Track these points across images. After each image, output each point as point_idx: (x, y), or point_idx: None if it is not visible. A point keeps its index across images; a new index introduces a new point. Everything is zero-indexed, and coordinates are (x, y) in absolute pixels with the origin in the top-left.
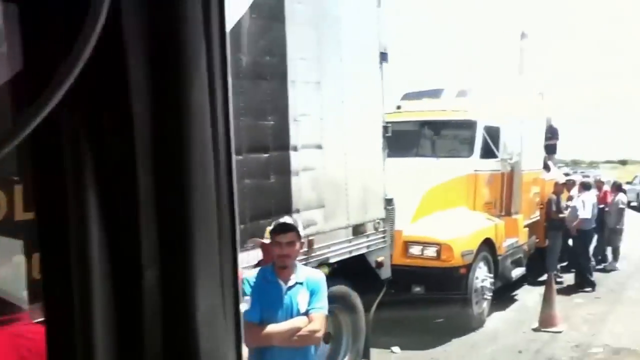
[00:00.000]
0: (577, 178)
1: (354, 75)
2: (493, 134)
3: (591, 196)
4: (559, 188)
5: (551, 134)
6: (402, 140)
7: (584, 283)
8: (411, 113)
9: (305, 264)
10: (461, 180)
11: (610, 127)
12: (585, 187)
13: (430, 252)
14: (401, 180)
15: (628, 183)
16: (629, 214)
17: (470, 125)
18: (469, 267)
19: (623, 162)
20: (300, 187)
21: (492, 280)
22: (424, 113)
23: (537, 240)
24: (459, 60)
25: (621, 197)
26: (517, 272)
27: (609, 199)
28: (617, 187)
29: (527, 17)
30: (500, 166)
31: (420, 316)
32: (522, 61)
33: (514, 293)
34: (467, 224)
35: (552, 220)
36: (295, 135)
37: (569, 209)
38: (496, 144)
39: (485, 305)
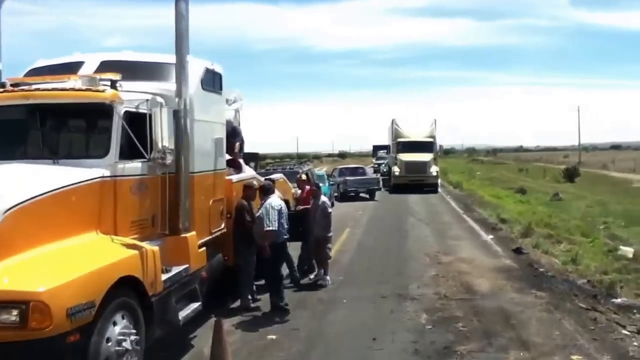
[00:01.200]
0: (278, 177)
1: None
2: (140, 123)
3: (276, 201)
4: (249, 192)
5: (233, 135)
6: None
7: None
8: (16, 95)
9: None
10: (84, 192)
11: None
12: (265, 191)
13: (6, 317)
14: None
15: (329, 176)
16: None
17: (103, 110)
18: (89, 330)
19: (342, 155)
20: None
21: (137, 337)
22: (38, 94)
23: (226, 258)
24: None
25: (325, 200)
26: (190, 309)
27: (312, 202)
28: (317, 187)
29: None
30: (154, 169)
31: None
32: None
33: (191, 335)
34: (83, 260)
35: (242, 233)
36: None
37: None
38: (143, 138)
39: None
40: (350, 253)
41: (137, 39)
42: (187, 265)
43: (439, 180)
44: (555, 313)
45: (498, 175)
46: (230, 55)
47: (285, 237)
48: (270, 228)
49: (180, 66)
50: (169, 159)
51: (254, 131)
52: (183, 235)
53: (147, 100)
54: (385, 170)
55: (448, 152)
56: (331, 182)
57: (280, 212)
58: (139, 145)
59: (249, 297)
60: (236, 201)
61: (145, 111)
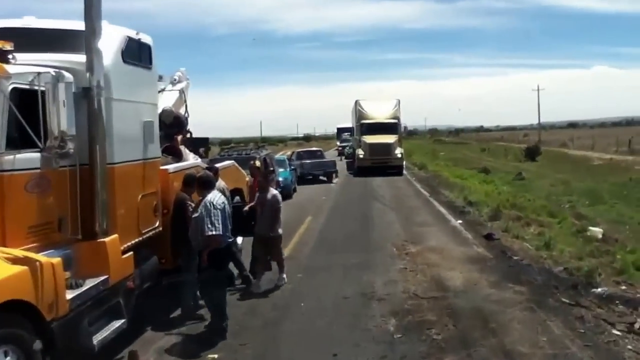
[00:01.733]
0: (227, 164)
1: None
2: (33, 104)
3: (218, 198)
4: (191, 183)
5: (178, 126)
6: None
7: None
8: None
9: None
10: None
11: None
12: (202, 184)
13: None
14: None
15: (289, 159)
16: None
17: None
18: None
19: (307, 139)
20: None
21: None
22: None
23: (163, 261)
24: None
25: (275, 194)
26: (111, 329)
27: (257, 196)
28: (264, 178)
29: None
30: (51, 161)
31: None
32: None
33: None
34: None
35: (182, 230)
36: None
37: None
38: (37, 122)
39: None
40: (311, 245)
41: None
42: (105, 277)
43: (404, 162)
44: (538, 312)
45: (461, 155)
46: (189, 41)
47: (230, 239)
48: (214, 232)
49: (91, 33)
50: (70, 148)
51: (217, 116)
52: (100, 239)
53: (38, 74)
54: (349, 152)
55: (412, 134)
56: (292, 167)
57: (223, 210)
58: (30, 131)
59: (192, 303)
60: (175, 194)
61: (40, 88)
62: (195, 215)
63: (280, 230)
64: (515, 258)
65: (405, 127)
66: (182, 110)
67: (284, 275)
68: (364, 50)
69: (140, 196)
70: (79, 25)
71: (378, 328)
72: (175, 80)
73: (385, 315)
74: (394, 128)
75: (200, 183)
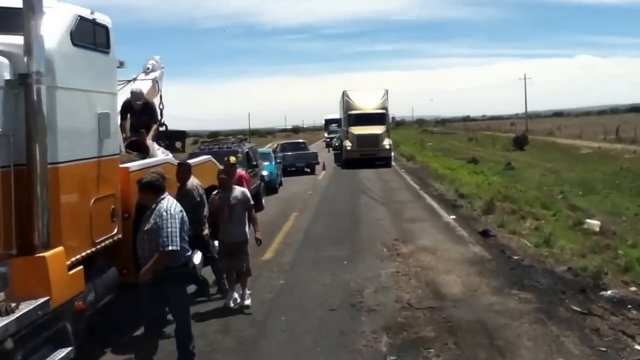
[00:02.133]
0: (203, 159)
1: None
2: None
3: (174, 205)
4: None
5: (149, 114)
6: None
7: None
8: None
9: None
10: None
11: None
12: (153, 188)
13: None
14: None
15: (275, 152)
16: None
17: None
18: None
19: (296, 130)
20: None
21: None
22: None
23: (124, 272)
24: None
25: (244, 191)
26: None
27: (217, 196)
28: (227, 175)
29: None
30: None
31: None
32: None
33: None
34: None
35: None
36: None
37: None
38: None
39: None
40: (295, 246)
41: None
42: (45, 298)
43: (393, 154)
44: (549, 325)
45: (449, 145)
46: (177, 35)
47: (188, 253)
48: (171, 247)
49: (30, 10)
50: None
51: (206, 108)
52: (40, 254)
53: None
54: (337, 144)
55: (399, 124)
56: (277, 160)
57: (182, 220)
58: None
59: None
60: (138, 196)
61: None
62: (147, 227)
63: (246, 237)
64: (515, 258)
65: (393, 118)
66: (156, 101)
67: (249, 292)
68: (351, 42)
69: (93, 200)
70: (19, 2)
71: (368, 348)
72: (148, 69)
73: (377, 332)
74: (382, 119)
75: (149, 187)
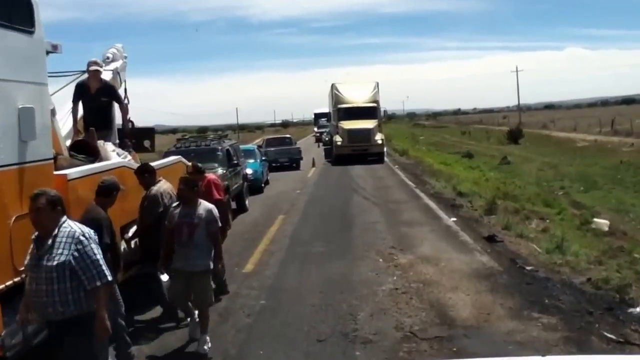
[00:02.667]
0: (169, 161)
1: None
2: None
3: (83, 227)
4: (109, 192)
5: (107, 95)
6: None
7: None
8: None
9: None
10: None
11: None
12: (51, 203)
13: None
14: None
15: (260, 147)
16: None
17: None
18: None
19: (285, 125)
20: None
21: None
22: None
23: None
24: None
25: (208, 208)
26: None
27: (175, 213)
28: (186, 187)
29: None
30: None
31: None
32: None
33: None
34: None
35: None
36: None
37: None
38: None
39: None
40: (280, 256)
41: (70, 13)
42: None
43: (385, 149)
44: None
45: (441, 139)
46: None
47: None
48: (110, 278)
49: None
50: None
51: (193, 104)
52: None
53: None
54: (327, 139)
55: (390, 118)
56: (263, 158)
57: (98, 244)
58: None
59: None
60: (83, 210)
61: None
62: (56, 260)
63: (211, 263)
64: (528, 269)
65: (385, 111)
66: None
67: (207, 338)
68: (340, 36)
69: (13, 218)
70: None
71: None
72: (108, 58)
73: None
74: (373, 112)
75: (48, 204)
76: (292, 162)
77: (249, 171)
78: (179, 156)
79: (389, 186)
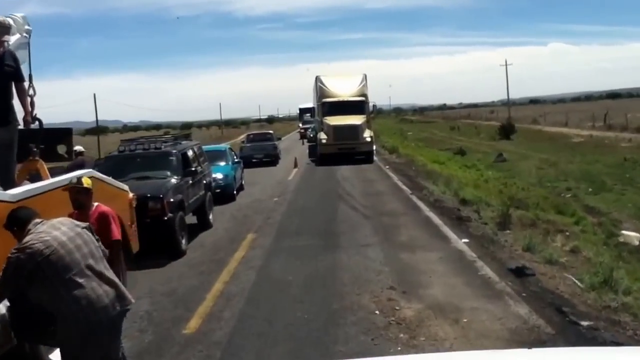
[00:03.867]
0: (75, 177)
1: None
2: None
3: None
4: None
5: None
6: None
7: None
8: None
9: None
10: None
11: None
12: None
13: None
14: None
15: (233, 149)
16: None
17: None
18: None
19: (270, 120)
20: None
21: None
22: None
23: None
24: None
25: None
26: None
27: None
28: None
29: None
30: None
31: None
32: None
33: None
34: None
35: None
36: None
37: None
38: None
39: None
40: (239, 304)
41: (53, 7)
42: None
43: (374, 147)
44: None
45: (430, 134)
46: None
47: None
48: None
49: None
50: None
51: (177, 99)
52: None
53: None
54: (312, 136)
55: (377, 113)
56: (236, 160)
57: None
58: None
59: None
60: None
61: None
62: None
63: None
64: (584, 325)
65: (374, 106)
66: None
67: None
68: (326, 31)
69: None
70: None
71: None
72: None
73: None
74: (361, 107)
75: None
76: (267, 157)
77: (218, 176)
78: (90, 170)
79: (381, 192)
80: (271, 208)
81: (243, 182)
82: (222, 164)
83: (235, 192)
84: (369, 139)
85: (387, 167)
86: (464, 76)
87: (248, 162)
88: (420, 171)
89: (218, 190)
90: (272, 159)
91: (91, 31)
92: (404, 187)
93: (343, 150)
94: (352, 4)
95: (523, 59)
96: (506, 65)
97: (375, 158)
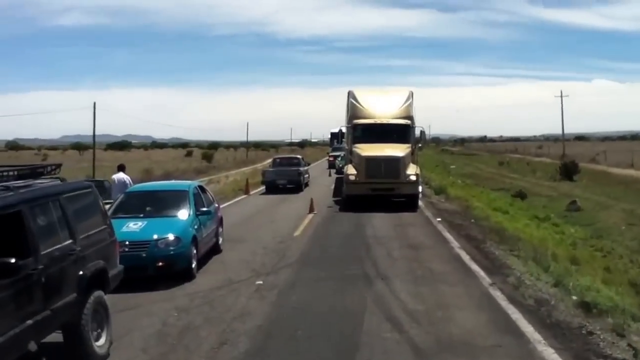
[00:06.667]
0: None
1: None
2: None
3: None
4: None
5: None
6: None
7: None
8: None
9: None
10: None
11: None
12: None
13: None
14: None
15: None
16: None
17: None
18: None
19: (302, 145)
20: None
21: None
22: None
23: None
24: None
25: None
26: None
27: None
28: None
29: None
30: None
31: None
32: None
33: None
34: None
35: None
36: None
37: None
38: None
39: None
40: None
41: (97, 18)
42: None
43: (420, 188)
44: None
45: (475, 169)
46: (189, 41)
47: None
48: None
49: None
50: None
51: (212, 118)
52: None
53: None
54: (340, 165)
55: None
56: (207, 208)
57: None
58: None
59: None
60: None
61: None
62: None
63: None
64: None
65: (422, 132)
66: None
67: None
68: (365, 56)
69: None
70: None
71: None
72: None
73: None
74: (406, 133)
75: None
76: (292, 185)
77: (170, 237)
78: None
79: (438, 275)
80: (242, 307)
81: (220, 241)
82: (177, 215)
83: (194, 265)
84: (413, 178)
85: (439, 219)
86: (505, 109)
87: (271, 186)
88: (485, 227)
89: (161, 264)
90: (296, 186)
91: (130, 43)
92: (473, 265)
93: (377, 192)
94: (393, 31)
95: (566, 94)
96: (561, 96)
97: (420, 203)
